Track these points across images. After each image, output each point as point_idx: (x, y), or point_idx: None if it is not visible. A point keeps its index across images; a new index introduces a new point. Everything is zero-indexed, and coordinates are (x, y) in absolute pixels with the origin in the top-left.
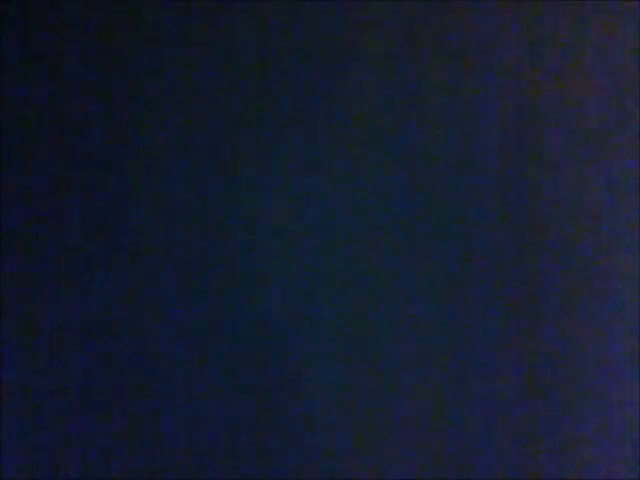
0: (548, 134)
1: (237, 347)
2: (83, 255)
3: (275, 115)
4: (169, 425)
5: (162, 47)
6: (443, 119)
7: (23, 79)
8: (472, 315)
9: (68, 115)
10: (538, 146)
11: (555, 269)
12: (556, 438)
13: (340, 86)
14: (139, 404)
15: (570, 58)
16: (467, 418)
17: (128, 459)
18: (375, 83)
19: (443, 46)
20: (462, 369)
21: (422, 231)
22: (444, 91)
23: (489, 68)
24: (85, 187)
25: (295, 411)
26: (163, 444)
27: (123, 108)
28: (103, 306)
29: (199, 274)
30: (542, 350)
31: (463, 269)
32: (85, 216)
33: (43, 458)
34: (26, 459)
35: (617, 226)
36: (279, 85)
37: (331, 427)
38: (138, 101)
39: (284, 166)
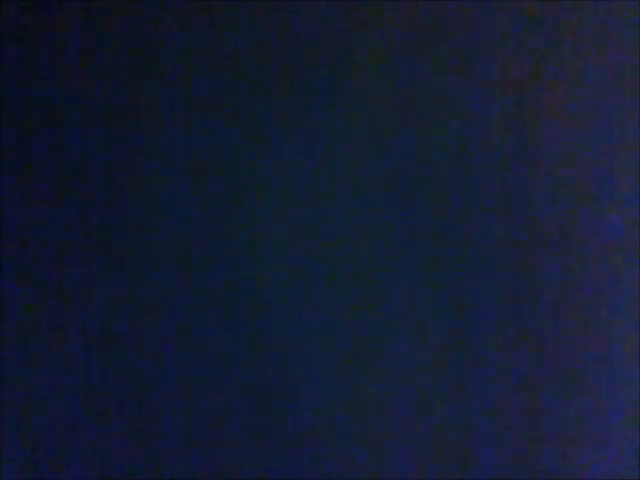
0: (548, 134)
1: (237, 348)
2: (83, 255)
3: (275, 116)
4: (169, 425)
5: (162, 47)
6: (443, 119)
7: (23, 79)
8: (472, 315)
9: (68, 115)
10: (538, 146)
11: (555, 269)
12: (556, 438)
13: (340, 86)
14: (139, 404)
15: (570, 58)
16: (467, 418)
17: (128, 459)
18: (375, 84)
19: (444, 46)
20: (462, 370)
21: (422, 231)
22: (445, 91)
23: (489, 69)
24: (85, 187)
25: (295, 411)
26: (163, 444)
27: (123, 108)
28: (103, 306)
29: (199, 275)
30: (542, 350)
31: (463, 270)
32: (85, 217)
33: (43, 458)
34: (26, 459)
35: (617, 226)
36: (279, 86)
37: (331, 427)
38: (138, 101)
39: (284, 167)
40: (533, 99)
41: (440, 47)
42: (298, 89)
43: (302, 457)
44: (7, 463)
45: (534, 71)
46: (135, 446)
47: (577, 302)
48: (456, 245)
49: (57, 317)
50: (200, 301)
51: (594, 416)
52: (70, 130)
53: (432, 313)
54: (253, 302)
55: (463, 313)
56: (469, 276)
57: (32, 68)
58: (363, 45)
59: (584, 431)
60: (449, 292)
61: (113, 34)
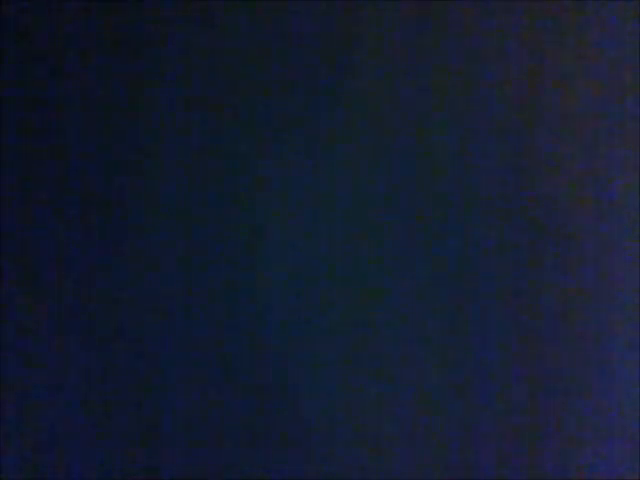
0: (549, 134)
1: (237, 348)
2: (83, 255)
3: (275, 116)
4: (169, 425)
5: (162, 47)
6: (443, 119)
7: (23, 79)
8: (472, 316)
9: (68, 115)
10: (539, 146)
11: (556, 269)
12: (556, 438)
13: (340, 86)
14: (139, 404)
15: (570, 58)
16: (467, 418)
17: (128, 459)
18: (375, 84)
19: (444, 46)
20: (462, 370)
21: (422, 231)
22: (445, 91)
23: (489, 69)
24: (85, 187)
25: (295, 411)
26: (163, 444)
27: (123, 108)
28: (103, 306)
29: (199, 274)
30: (542, 350)
31: (463, 270)
32: (85, 217)
33: (43, 458)
34: (26, 459)
35: (617, 226)
36: (279, 86)
37: (331, 427)
38: (138, 101)
39: (284, 167)
40: (533, 99)
41: (440, 47)
42: (298, 89)
43: (302, 457)
44: (7, 463)
45: (534, 71)
46: (135, 446)
47: (577, 302)
48: (456, 245)
49: (57, 317)
50: (200, 301)
51: (594, 416)
52: (70, 130)
53: (432, 313)
54: (253, 302)
55: (463, 313)
56: (469, 277)
57: (32, 68)
58: (363, 45)
59: (584, 431)
60: (449, 292)
61: (113, 34)
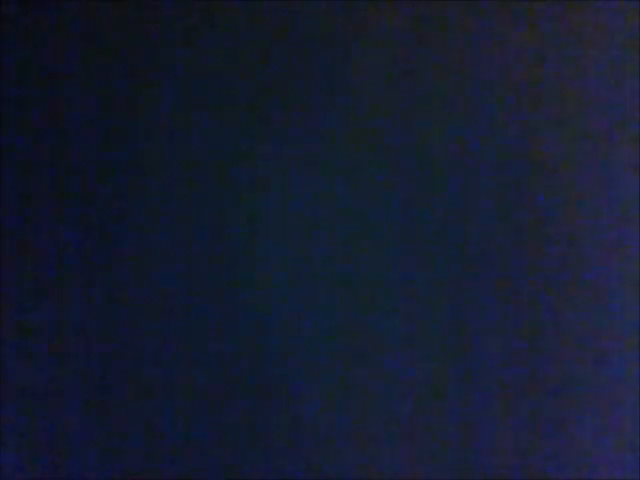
0: (548, 135)
1: (237, 348)
2: (83, 256)
3: (275, 115)
4: (169, 425)
5: (162, 47)
6: (443, 119)
7: (23, 79)
8: (473, 315)
9: (68, 115)
10: (538, 146)
11: (555, 269)
12: (556, 438)
13: (340, 86)
14: (139, 404)
15: (570, 58)
16: (467, 419)
17: (128, 459)
18: (375, 85)
19: (444, 47)
20: (462, 370)
21: (422, 231)
22: (445, 91)
23: (489, 69)
24: (85, 188)
25: (295, 411)
26: (163, 444)
27: (123, 108)
28: (103, 306)
29: (199, 274)
30: (542, 350)
31: (463, 270)
32: (85, 217)
33: (43, 458)
34: (26, 459)
35: (617, 226)
36: (279, 86)
37: (330, 427)
38: (138, 101)
39: (284, 166)
40: (533, 99)
41: (440, 47)
42: (298, 88)
43: (302, 457)
44: (7, 463)
45: (534, 71)
46: (135, 446)
47: (577, 302)
48: (456, 246)
49: (57, 317)
50: (200, 301)
51: (594, 416)
52: (70, 130)
53: (433, 313)
54: (253, 302)
55: (463, 313)
56: (469, 277)
57: (32, 68)
58: (363, 45)
59: (584, 431)
60: (449, 293)
61: (113, 34)
